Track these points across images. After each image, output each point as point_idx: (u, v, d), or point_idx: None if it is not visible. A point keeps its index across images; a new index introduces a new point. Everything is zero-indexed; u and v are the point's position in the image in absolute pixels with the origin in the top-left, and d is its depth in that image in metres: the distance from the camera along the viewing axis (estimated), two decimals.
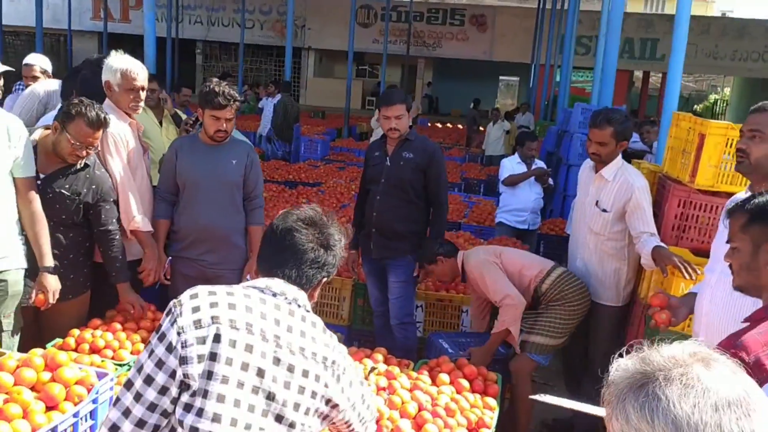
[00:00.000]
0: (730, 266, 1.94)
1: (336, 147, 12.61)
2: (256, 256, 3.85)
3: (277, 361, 1.61)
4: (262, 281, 1.74)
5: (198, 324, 1.59)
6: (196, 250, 3.78)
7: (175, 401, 1.59)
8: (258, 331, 1.61)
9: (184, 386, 1.58)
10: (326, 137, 12.88)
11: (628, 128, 3.78)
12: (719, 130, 3.39)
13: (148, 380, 1.58)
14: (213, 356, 1.56)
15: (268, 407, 1.60)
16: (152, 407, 1.58)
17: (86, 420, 2.41)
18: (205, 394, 1.55)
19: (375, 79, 24.75)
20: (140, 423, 1.59)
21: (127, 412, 1.59)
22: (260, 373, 1.59)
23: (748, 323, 1.81)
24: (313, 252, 1.78)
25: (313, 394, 1.66)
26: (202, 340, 1.57)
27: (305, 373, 1.64)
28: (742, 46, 21.08)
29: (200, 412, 1.56)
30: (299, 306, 1.73)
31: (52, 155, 3.21)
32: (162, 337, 1.61)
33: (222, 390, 1.55)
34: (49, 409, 2.32)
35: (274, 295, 1.71)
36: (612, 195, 3.73)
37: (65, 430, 2.30)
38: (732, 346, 1.66)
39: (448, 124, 19.47)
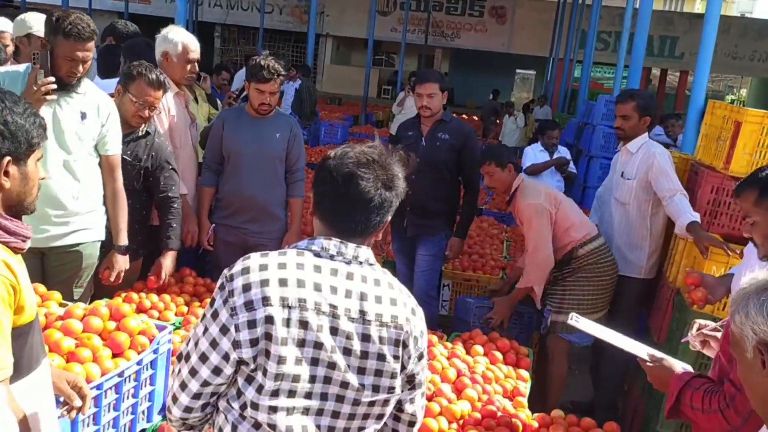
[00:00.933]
0: (751, 239, 2.04)
1: (355, 132, 12.72)
2: (295, 227, 3.99)
3: (334, 330, 1.57)
4: (318, 242, 1.64)
5: (249, 306, 1.54)
6: (238, 219, 3.89)
7: (229, 377, 1.59)
8: (312, 306, 1.56)
9: (242, 362, 1.57)
10: (346, 122, 13.00)
11: (652, 105, 3.99)
12: (755, 118, 3.46)
13: (203, 358, 1.58)
14: (268, 336, 1.54)
15: (331, 375, 1.58)
16: (206, 384, 1.60)
17: (147, 369, 2.52)
18: (264, 372, 1.55)
19: (392, 68, 24.77)
20: (196, 396, 1.61)
21: (183, 385, 1.62)
22: (318, 346, 1.56)
23: None
24: (379, 197, 1.64)
25: (380, 357, 1.61)
26: (254, 324, 1.54)
27: (366, 338, 1.59)
28: (761, 47, 20.97)
29: (260, 389, 1.56)
30: (360, 263, 1.64)
31: None
32: (215, 315, 1.58)
33: (280, 369, 1.54)
34: (114, 356, 2.44)
35: (331, 257, 1.62)
36: (636, 164, 3.94)
37: (129, 375, 2.41)
38: None
39: (464, 116, 19.50)
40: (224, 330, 1.56)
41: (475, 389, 2.90)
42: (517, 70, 27.69)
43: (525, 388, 3.13)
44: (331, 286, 1.59)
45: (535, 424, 2.80)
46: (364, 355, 1.60)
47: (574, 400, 4.38)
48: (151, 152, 3.42)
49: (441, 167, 4.25)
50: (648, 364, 2.14)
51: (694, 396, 1.91)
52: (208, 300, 1.66)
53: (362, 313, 1.60)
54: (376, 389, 1.63)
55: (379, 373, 1.62)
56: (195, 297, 3.63)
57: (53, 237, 3.00)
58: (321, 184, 1.68)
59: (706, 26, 4.63)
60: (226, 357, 1.56)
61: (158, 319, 3.23)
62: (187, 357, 1.62)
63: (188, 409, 1.63)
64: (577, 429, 2.82)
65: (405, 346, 1.65)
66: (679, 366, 2.08)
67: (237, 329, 1.54)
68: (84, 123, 2.99)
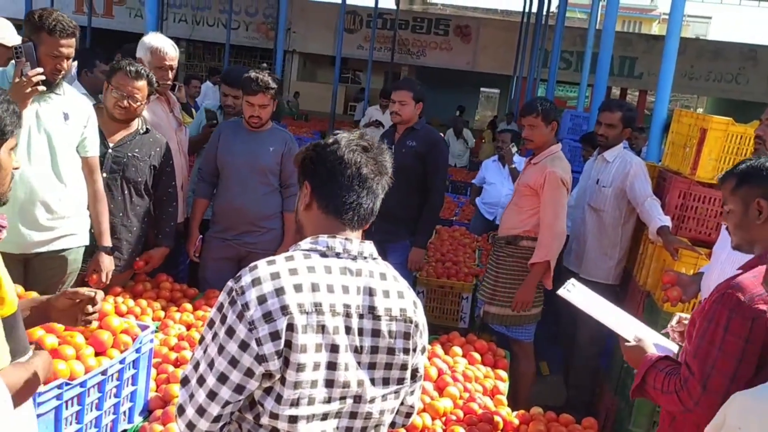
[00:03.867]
0: (727, 228, 2.14)
1: None
2: (289, 240, 3.98)
3: (348, 330, 1.57)
4: (322, 242, 1.62)
5: (269, 317, 1.50)
6: (231, 232, 3.91)
7: (252, 392, 1.55)
8: (327, 308, 1.54)
9: (267, 375, 1.54)
10: (315, 136, 13.04)
11: (634, 118, 4.18)
12: (721, 125, 3.60)
13: (222, 378, 1.52)
14: (288, 344, 1.51)
15: (347, 377, 1.57)
16: (227, 404, 1.54)
17: (130, 368, 2.50)
18: (282, 380, 1.53)
19: (358, 85, 24.90)
20: (217, 419, 1.55)
21: (201, 411, 1.55)
22: (334, 348, 1.55)
23: (742, 271, 2.01)
24: (377, 182, 1.67)
25: (390, 351, 1.62)
26: (277, 335, 1.50)
27: (376, 333, 1.60)
28: (716, 67, 21.66)
29: (279, 399, 1.53)
30: (365, 259, 1.64)
31: (110, 123, 3.34)
32: (231, 333, 1.52)
33: (299, 377, 1.52)
34: (97, 354, 2.41)
35: (337, 255, 1.61)
36: (612, 172, 4.06)
37: (112, 374, 2.39)
38: (728, 287, 1.85)
39: None
40: (244, 346, 1.51)
41: (457, 387, 2.94)
42: (482, 89, 28.09)
43: (504, 387, 3.17)
44: (342, 286, 1.58)
45: (516, 421, 2.85)
46: (374, 350, 1.61)
47: (548, 405, 4.44)
48: (156, 147, 3.50)
49: (407, 174, 4.29)
50: (626, 344, 2.20)
51: (657, 377, 2.01)
52: (207, 318, 1.60)
53: (372, 309, 1.60)
54: (386, 382, 1.64)
55: (389, 366, 1.63)
56: (171, 302, 3.63)
57: (39, 243, 2.98)
58: (321, 171, 1.65)
59: (667, 44, 4.79)
60: (249, 373, 1.52)
61: None
62: (201, 381, 1.55)
63: None
64: (557, 425, 2.87)
65: (413, 337, 1.67)
66: (652, 348, 2.15)
67: (259, 343, 1.50)
68: (67, 123, 2.98)
